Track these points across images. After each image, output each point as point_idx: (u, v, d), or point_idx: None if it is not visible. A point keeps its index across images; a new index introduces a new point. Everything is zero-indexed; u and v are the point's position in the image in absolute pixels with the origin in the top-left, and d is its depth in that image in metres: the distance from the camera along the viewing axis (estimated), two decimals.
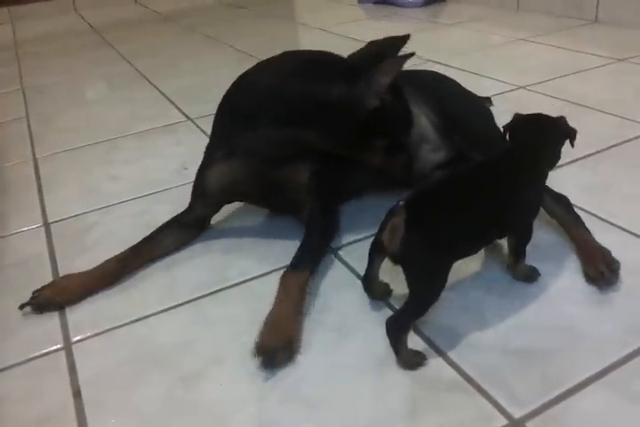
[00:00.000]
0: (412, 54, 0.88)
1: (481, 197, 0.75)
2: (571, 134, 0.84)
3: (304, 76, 0.93)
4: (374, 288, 0.85)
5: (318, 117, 0.92)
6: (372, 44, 0.99)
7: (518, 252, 0.84)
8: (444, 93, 1.17)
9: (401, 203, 0.71)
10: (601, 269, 0.84)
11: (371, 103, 0.89)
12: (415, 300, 0.73)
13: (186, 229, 1.05)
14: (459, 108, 1.16)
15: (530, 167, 0.82)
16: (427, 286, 0.73)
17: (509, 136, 0.87)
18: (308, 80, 0.92)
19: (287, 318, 0.82)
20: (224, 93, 1.03)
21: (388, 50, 0.95)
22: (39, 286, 0.94)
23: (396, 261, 0.73)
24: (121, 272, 0.98)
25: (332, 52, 0.98)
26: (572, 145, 0.85)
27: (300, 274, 0.89)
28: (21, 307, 0.92)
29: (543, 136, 0.84)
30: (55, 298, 0.93)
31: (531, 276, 0.86)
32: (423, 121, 1.09)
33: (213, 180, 1.02)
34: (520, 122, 0.87)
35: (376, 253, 0.80)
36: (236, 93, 1.01)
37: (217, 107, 1.04)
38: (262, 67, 1.01)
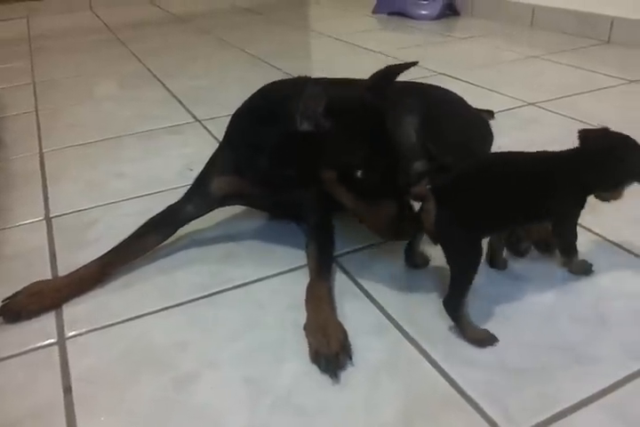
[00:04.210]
0: (319, 91, 0.80)
1: (504, 184, 0.80)
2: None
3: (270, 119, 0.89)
4: (415, 258, 0.92)
5: (285, 153, 0.88)
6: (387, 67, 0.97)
7: (564, 249, 0.89)
8: (434, 104, 1.19)
9: (428, 187, 0.79)
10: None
11: (302, 126, 0.82)
12: (456, 274, 0.78)
13: (170, 227, 1.03)
14: (441, 117, 1.17)
15: (567, 175, 0.84)
16: (462, 259, 0.79)
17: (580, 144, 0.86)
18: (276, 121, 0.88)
19: (331, 322, 0.83)
20: (245, 111, 1.01)
21: (393, 71, 0.94)
22: (36, 279, 0.94)
23: (434, 239, 0.80)
24: (101, 277, 0.96)
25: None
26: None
27: (326, 282, 0.91)
28: None
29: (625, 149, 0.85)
30: (29, 306, 0.89)
31: (587, 269, 0.90)
32: (410, 129, 1.13)
33: (219, 187, 1.01)
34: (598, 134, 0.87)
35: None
36: (245, 122, 1.00)
37: (234, 117, 1.02)
38: (263, 95, 0.99)
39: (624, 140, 0.85)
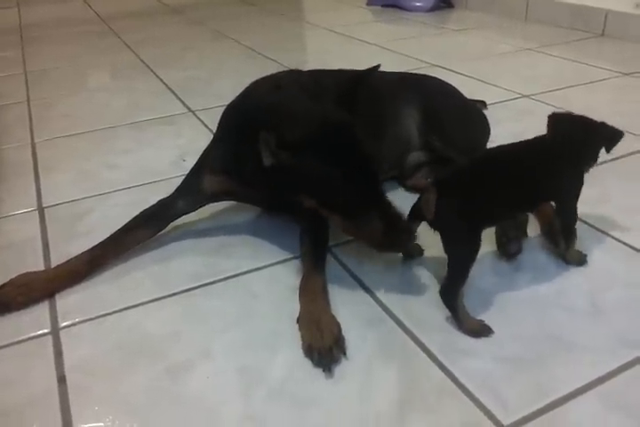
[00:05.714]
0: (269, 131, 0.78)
1: (502, 177, 0.81)
2: (614, 138, 0.88)
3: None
4: (409, 248, 0.93)
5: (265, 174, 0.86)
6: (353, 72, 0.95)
7: (565, 231, 0.90)
8: (433, 96, 1.20)
9: (429, 180, 0.81)
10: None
11: (266, 162, 0.82)
12: (452, 264, 0.79)
13: (161, 222, 1.03)
14: (442, 109, 1.18)
15: (559, 159, 0.85)
16: (460, 249, 0.79)
17: (548, 130, 0.89)
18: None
19: (325, 315, 0.82)
20: (231, 113, 1.00)
21: (357, 79, 0.92)
22: (30, 270, 0.93)
23: (433, 227, 0.81)
24: (91, 269, 0.95)
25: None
26: (608, 151, 0.88)
27: (320, 276, 0.90)
28: None
29: (583, 135, 0.87)
30: (17, 297, 0.89)
31: (582, 259, 0.91)
32: (409, 122, 1.14)
33: (210, 185, 1.01)
34: (562, 119, 0.90)
35: (412, 218, 0.84)
36: (231, 123, 1.00)
37: (225, 113, 1.02)
38: (250, 95, 0.98)
39: (585, 120, 0.89)
